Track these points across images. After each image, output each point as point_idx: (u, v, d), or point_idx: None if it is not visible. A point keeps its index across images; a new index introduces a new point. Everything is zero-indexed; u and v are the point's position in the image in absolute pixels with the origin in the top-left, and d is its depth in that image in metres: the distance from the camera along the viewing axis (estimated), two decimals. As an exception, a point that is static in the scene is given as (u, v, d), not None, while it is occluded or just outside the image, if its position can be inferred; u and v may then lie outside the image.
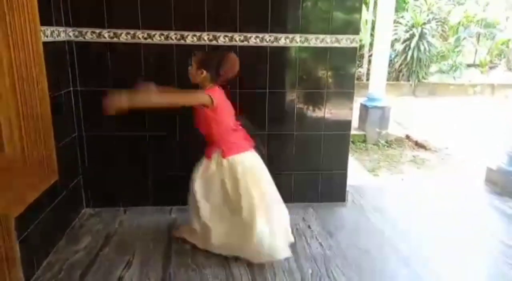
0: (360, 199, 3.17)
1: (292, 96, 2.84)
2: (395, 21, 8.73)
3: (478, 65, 12.62)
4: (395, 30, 9.78)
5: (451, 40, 11.94)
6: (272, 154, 2.91)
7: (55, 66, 2.34)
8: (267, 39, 2.68)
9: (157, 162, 2.83)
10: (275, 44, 2.70)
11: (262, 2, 2.62)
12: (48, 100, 2.18)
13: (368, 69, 9.48)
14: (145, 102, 2.12)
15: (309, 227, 2.70)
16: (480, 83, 10.89)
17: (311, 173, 2.99)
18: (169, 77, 2.65)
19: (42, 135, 2.18)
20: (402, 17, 10.48)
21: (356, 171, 4.25)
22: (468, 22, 12.24)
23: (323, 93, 2.86)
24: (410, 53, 9.98)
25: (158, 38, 2.58)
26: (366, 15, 10.22)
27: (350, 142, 3.06)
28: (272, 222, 2.19)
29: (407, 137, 6.03)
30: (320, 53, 2.77)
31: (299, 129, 2.89)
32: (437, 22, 10.66)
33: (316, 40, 2.73)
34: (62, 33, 2.45)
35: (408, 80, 10.38)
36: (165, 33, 2.58)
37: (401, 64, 10.35)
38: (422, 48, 9.91)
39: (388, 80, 6.70)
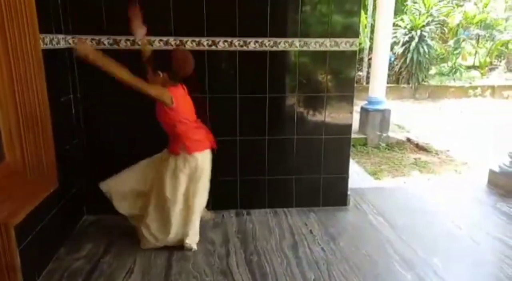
0: (362, 203, 3.15)
1: (292, 100, 2.84)
2: (394, 24, 8.73)
3: (478, 67, 12.62)
4: (394, 33, 9.79)
5: (451, 42, 11.95)
6: (272, 158, 2.91)
7: (55, 73, 2.34)
8: (267, 44, 2.68)
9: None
10: (274, 48, 2.70)
11: (261, 7, 2.62)
12: (48, 107, 2.18)
13: (368, 72, 9.48)
14: (108, 65, 2.09)
15: (311, 232, 2.68)
16: (481, 85, 10.88)
17: (312, 177, 2.98)
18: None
19: (42, 142, 2.18)
20: (401, 19, 10.50)
21: (358, 175, 4.24)
22: (467, 24, 12.26)
23: (323, 97, 2.86)
24: (409, 55, 9.99)
25: (158, 44, 2.58)
26: (365, 18, 10.26)
27: (351, 146, 3.05)
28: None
29: (408, 140, 6.01)
30: (320, 57, 2.77)
31: (299, 134, 2.89)
32: (436, 24, 10.67)
33: (315, 44, 2.73)
34: (62, 41, 2.45)
35: (408, 83, 10.37)
36: (165, 39, 2.58)
37: (400, 67, 10.35)
38: (421, 50, 9.91)
39: (388, 83, 6.70)
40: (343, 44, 2.76)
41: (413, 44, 9.94)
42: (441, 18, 11.19)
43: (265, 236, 2.61)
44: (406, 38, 10.10)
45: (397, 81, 10.60)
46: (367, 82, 8.44)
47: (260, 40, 2.67)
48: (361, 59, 10.51)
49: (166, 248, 2.43)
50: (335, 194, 3.05)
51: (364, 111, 5.97)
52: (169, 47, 2.59)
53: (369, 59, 9.14)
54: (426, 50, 9.94)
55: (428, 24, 10.21)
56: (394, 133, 6.13)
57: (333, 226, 2.76)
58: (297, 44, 2.71)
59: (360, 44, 9.76)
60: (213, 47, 2.63)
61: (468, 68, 12.49)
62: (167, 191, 2.31)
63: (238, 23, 2.62)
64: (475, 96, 10.50)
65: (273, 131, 2.86)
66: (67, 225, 2.57)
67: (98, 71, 2.60)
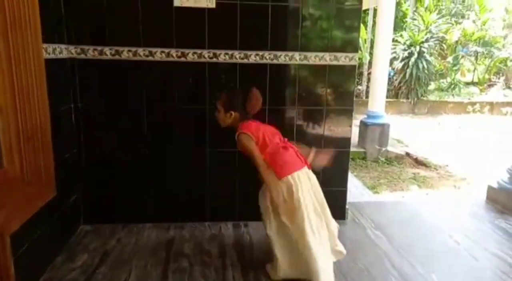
0: (360, 217, 3.14)
1: (291, 113, 2.85)
2: (393, 40, 8.83)
3: (477, 83, 12.72)
4: (394, 48, 9.90)
5: (450, 58, 12.07)
6: (271, 171, 2.90)
7: (57, 82, 2.35)
8: (267, 57, 2.71)
9: (156, 179, 2.82)
10: (274, 61, 2.72)
11: (262, 20, 2.66)
12: (48, 116, 2.19)
13: (368, 87, 9.54)
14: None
15: (308, 245, 2.66)
16: (479, 101, 10.95)
17: (311, 190, 2.97)
18: (171, 94, 2.68)
19: (41, 151, 2.17)
20: (400, 35, 10.63)
21: (357, 189, 4.23)
22: (466, 41, 12.41)
23: (323, 110, 2.87)
24: (409, 71, 10.08)
25: (159, 56, 2.61)
26: (365, 33, 10.38)
27: (350, 159, 3.05)
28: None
29: (407, 154, 6.02)
30: (319, 71, 2.80)
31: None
32: (435, 41, 10.80)
33: (315, 58, 2.76)
34: (64, 51, 2.47)
35: (407, 98, 10.44)
36: (166, 50, 2.61)
37: (400, 82, 10.43)
38: (420, 66, 10.01)
39: (387, 97, 6.74)
40: (343, 59, 2.79)
41: (413, 59, 10.04)
42: (440, 35, 11.34)
43: (263, 249, 2.59)
44: (406, 53, 10.20)
45: (396, 96, 10.67)
46: (367, 96, 8.49)
47: (260, 53, 2.70)
48: (361, 74, 10.60)
49: (162, 259, 2.41)
50: (333, 208, 3.00)
51: (363, 125, 5.99)
52: (171, 59, 2.62)
53: (369, 73, 9.21)
54: (425, 66, 10.04)
55: (427, 40, 10.34)
56: (393, 148, 6.13)
57: (331, 240, 2.73)
58: (297, 58, 2.74)
59: (360, 58, 9.88)
60: (214, 59, 2.66)
61: (467, 84, 12.60)
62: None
63: (239, 36, 2.65)
64: (474, 112, 10.56)
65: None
66: (63, 234, 2.55)
67: (99, 81, 2.64)
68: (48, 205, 2.18)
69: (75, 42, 2.53)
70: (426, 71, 10.11)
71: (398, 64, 10.29)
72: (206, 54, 2.64)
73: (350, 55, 2.78)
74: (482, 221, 3.18)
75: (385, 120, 5.96)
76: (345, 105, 2.89)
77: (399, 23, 11.14)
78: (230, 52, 2.66)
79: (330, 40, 2.75)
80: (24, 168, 2.14)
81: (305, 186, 2.12)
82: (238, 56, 2.68)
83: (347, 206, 3.06)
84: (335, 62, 2.78)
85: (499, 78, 13.30)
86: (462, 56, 12.08)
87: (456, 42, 12.22)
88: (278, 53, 2.71)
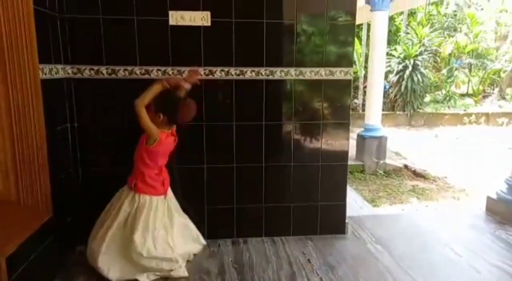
0: (360, 230, 3.11)
1: (288, 127, 2.86)
2: (387, 54, 8.96)
3: (471, 95, 12.84)
4: (388, 62, 10.02)
5: (444, 71, 12.21)
6: (269, 186, 2.89)
7: (53, 102, 2.35)
8: (263, 73, 2.73)
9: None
10: (270, 77, 2.74)
11: (258, 37, 2.69)
12: (44, 136, 2.18)
13: (364, 100, 9.61)
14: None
15: (309, 261, 2.63)
16: (475, 112, 11.03)
17: (310, 205, 2.96)
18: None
19: (37, 172, 2.16)
20: (394, 49, 10.78)
21: (356, 202, 4.21)
22: (459, 53, 12.58)
23: (319, 125, 2.88)
24: (404, 83, 10.19)
25: (156, 74, 2.62)
26: (359, 47, 10.51)
27: (349, 173, 3.05)
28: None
29: (406, 166, 6.03)
30: (315, 86, 2.82)
31: (296, 161, 2.89)
32: (428, 54, 10.95)
33: (310, 73, 2.78)
34: (61, 71, 2.48)
35: (404, 110, 10.51)
36: (162, 68, 2.62)
37: (396, 95, 10.53)
38: (415, 79, 10.12)
39: (383, 110, 6.81)
40: (338, 73, 2.81)
41: (407, 72, 10.16)
42: (434, 48, 11.50)
43: (262, 266, 2.55)
44: (400, 67, 10.33)
45: (392, 109, 10.75)
46: (363, 110, 8.55)
47: (256, 69, 2.72)
48: (357, 87, 10.69)
49: (157, 280, 2.37)
50: (333, 222, 3.01)
51: (360, 138, 6.01)
52: (167, 77, 2.63)
53: (365, 87, 9.29)
54: (420, 79, 10.16)
55: (421, 53, 10.48)
56: (391, 160, 6.14)
57: (331, 255, 2.71)
58: (293, 73, 2.76)
59: (355, 72, 9.97)
60: (210, 76, 2.68)
61: (462, 96, 12.71)
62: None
63: (235, 53, 2.68)
64: (470, 123, 10.63)
65: (270, 159, 2.86)
66: (60, 256, 2.51)
67: (95, 101, 2.64)
68: (45, 226, 2.16)
69: (72, 62, 2.54)
70: (421, 84, 10.22)
71: (393, 77, 10.41)
72: (202, 72, 2.66)
73: (345, 69, 2.81)
74: (482, 233, 3.16)
75: (382, 133, 5.98)
76: (341, 119, 2.90)
77: (392, 37, 11.31)
78: (226, 68, 2.68)
79: (325, 55, 2.78)
80: (20, 189, 2.12)
81: (160, 211, 2.40)
82: (234, 72, 2.70)
83: (346, 220, 3.04)
84: (330, 77, 2.81)
85: (493, 89, 13.44)
86: (456, 69, 12.22)
87: (450, 54, 12.39)
88: (274, 69, 2.73)
